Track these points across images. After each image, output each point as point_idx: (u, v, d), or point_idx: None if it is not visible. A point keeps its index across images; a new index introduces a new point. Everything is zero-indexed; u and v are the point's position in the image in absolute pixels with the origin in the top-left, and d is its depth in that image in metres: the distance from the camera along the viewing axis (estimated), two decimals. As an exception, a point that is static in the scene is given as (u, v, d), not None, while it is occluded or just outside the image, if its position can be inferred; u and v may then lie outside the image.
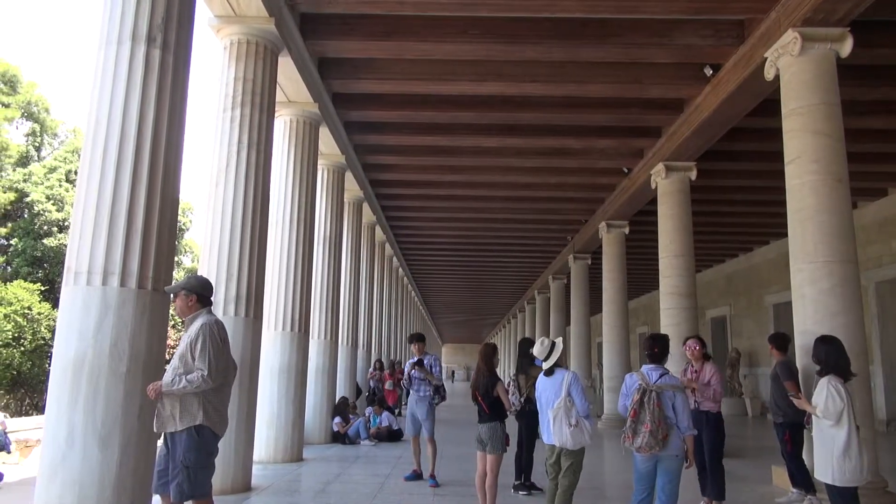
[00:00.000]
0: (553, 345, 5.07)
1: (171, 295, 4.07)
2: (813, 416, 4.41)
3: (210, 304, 4.10)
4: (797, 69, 6.78)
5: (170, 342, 27.64)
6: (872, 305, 13.94)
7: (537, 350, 5.15)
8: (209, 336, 3.83)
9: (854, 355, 6.05)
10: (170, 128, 4.92)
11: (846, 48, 6.65)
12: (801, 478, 6.24)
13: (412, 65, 8.76)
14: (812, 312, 6.31)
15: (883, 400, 13.65)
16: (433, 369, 7.48)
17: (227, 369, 3.99)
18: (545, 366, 5.05)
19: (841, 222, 6.38)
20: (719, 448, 5.89)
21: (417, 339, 7.67)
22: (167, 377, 3.83)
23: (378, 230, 16.93)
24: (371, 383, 14.87)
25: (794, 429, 6.26)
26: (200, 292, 4.01)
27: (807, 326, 6.29)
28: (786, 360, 6.50)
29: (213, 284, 6.44)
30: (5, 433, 12.12)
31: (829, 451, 4.23)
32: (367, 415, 11.52)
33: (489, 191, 14.27)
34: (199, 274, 4.47)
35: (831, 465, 4.20)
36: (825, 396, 4.26)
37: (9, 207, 28.18)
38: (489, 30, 7.73)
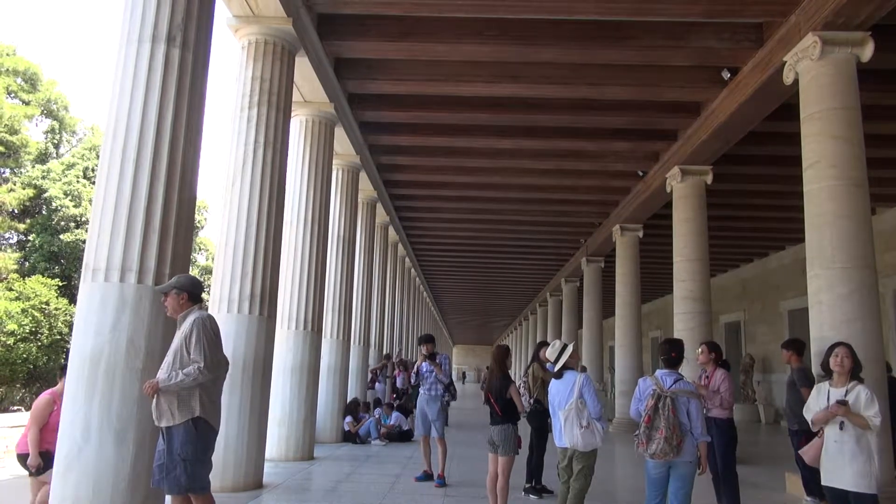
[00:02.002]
0: (564, 347, 5.06)
1: (162, 294, 4.06)
2: (848, 426, 4.18)
3: (201, 301, 4.12)
4: (817, 73, 6.72)
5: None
6: (890, 312, 13.77)
7: (549, 352, 5.16)
8: (202, 329, 3.86)
9: (871, 362, 6.01)
10: (188, 126, 4.96)
11: (867, 52, 6.57)
12: (816, 485, 6.17)
13: (428, 66, 8.77)
14: (829, 318, 6.24)
15: (900, 408, 13.47)
16: (443, 367, 7.52)
17: (221, 363, 4.02)
18: (555, 368, 5.04)
19: (859, 228, 6.31)
20: (730, 455, 5.83)
21: (427, 339, 7.69)
22: (162, 374, 3.84)
23: (391, 230, 16.96)
24: (398, 383, 14.76)
25: (809, 436, 6.18)
26: (191, 290, 4.03)
27: (823, 332, 6.22)
28: (802, 367, 6.44)
29: (229, 283, 6.53)
30: None
31: (869, 459, 4.07)
32: (376, 415, 11.54)
33: (503, 192, 14.26)
34: (189, 273, 4.49)
35: (871, 474, 4.06)
36: (878, 404, 4.11)
37: (27, 203, 28.52)
38: (505, 31, 7.72)
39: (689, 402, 4.34)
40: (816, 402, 4.33)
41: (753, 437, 13.99)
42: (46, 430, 5.02)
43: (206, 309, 4.14)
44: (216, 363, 3.90)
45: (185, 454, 3.74)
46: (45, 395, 5.21)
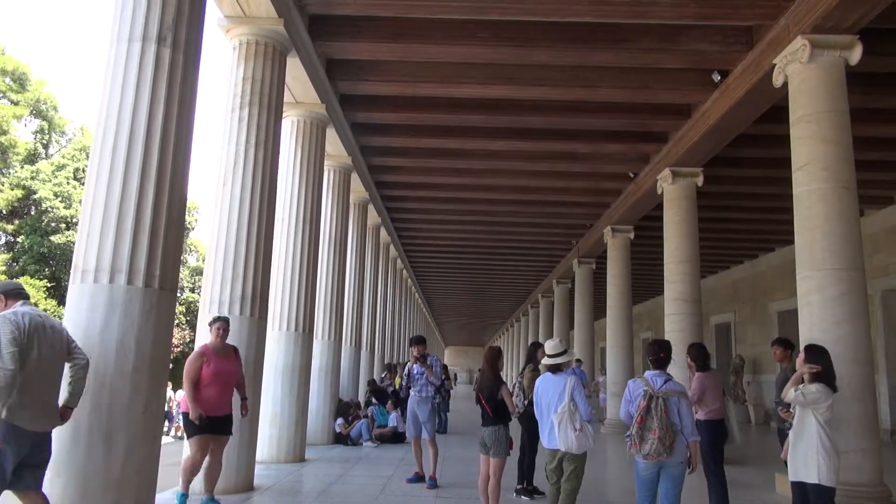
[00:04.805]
0: (565, 352, 5.06)
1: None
2: (796, 422, 4.43)
3: (23, 297, 3.97)
4: (806, 76, 6.77)
5: (174, 340, 27.67)
6: (878, 314, 13.88)
7: (551, 346, 5.12)
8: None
9: (860, 364, 6.08)
10: (179, 127, 4.93)
11: (855, 56, 6.64)
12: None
13: (420, 67, 8.77)
14: (819, 320, 6.29)
15: (888, 410, 13.58)
16: (434, 369, 7.52)
17: (31, 358, 3.70)
18: (550, 361, 5.02)
19: (849, 230, 6.36)
20: (714, 456, 5.83)
21: (417, 341, 7.67)
22: None
23: (383, 232, 16.95)
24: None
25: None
26: (4, 291, 3.94)
27: (813, 334, 6.27)
28: (793, 366, 6.45)
29: (220, 284, 6.51)
30: None
31: (832, 453, 4.25)
32: (370, 415, 11.51)
33: (495, 194, 14.27)
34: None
35: (833, 467, 4.22)
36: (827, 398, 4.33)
37: (16, 204, 28.29)
38: (498, 33, 7.73)
39: (680, 402, 4.36)
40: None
41: (743, 437, 14.04)
42: (201, 387, 5.35)
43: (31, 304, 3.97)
44: (10, 356, 3.57)
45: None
46: (196, 351, 5.56)
